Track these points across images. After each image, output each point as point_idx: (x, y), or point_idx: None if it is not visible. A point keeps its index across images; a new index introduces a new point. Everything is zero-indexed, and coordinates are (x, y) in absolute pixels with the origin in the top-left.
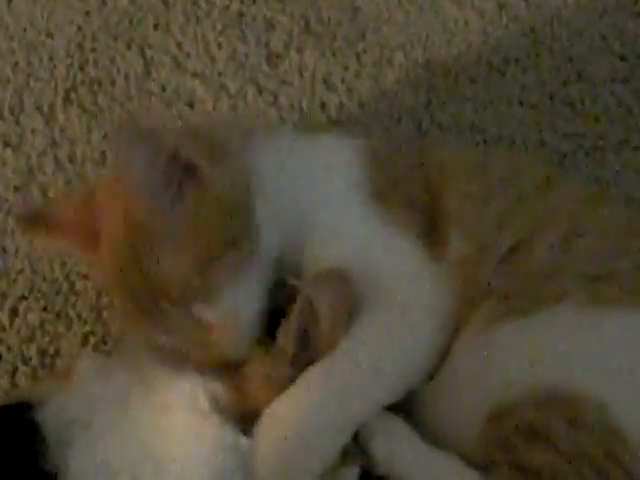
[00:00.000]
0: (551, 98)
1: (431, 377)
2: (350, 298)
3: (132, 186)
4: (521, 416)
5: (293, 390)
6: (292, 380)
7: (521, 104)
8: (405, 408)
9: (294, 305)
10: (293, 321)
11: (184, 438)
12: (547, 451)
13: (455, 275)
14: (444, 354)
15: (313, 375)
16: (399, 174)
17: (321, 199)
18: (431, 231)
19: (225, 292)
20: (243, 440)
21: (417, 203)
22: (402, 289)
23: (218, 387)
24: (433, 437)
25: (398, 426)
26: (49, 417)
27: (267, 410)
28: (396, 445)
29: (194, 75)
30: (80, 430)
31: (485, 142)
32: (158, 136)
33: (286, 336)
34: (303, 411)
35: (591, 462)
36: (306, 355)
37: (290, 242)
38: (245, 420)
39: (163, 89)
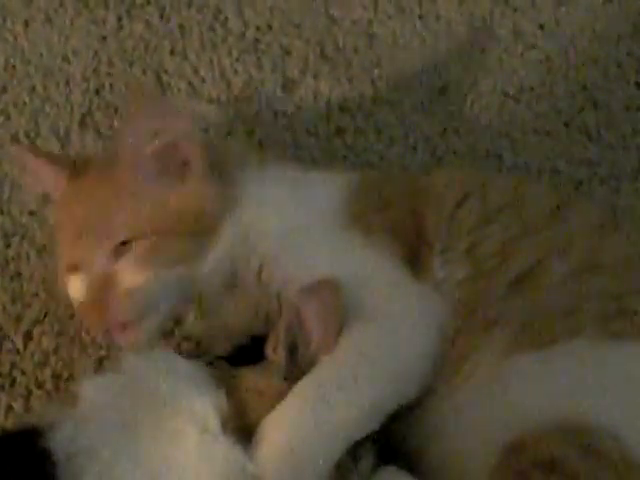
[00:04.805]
0: (566, 126)
1: (436, 413)
2: (340, 309)
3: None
4: (538, 449)
5: (284, 404)
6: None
7: (536, 132)
8: (412, 444)
9: (281, 318)
10: (281, 333)
11: (195, 464)
12: None
13: (452, 297)
14: (449, 373)
15: (301, 388)
16: (384, 200)
17: (304, 227)
18: (414, 255)
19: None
20: (250, 462)
21: (401, 228)
22: (386, 305)
23: (223, 401)
24: (440, 475)
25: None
26: (59, 445)
27: (264, 423)
28: None
29: (210, 101)
30: (89, 459)
31: (500, 170)
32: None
33: (275, 349)
34: (291, 425)
35: None
36: (298, 368)
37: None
38: (243, 434)
39: None
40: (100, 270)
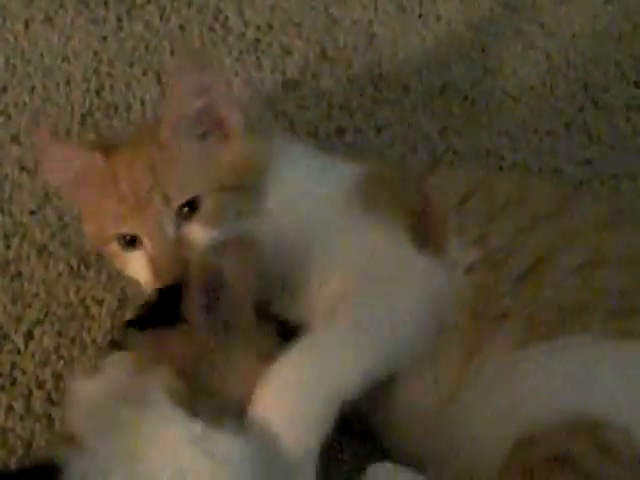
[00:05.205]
0: (567, 126)
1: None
2: (256, 263)
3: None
4: (549, 444)
5: (279, 370)
6: (217, 346)
7: (536, 131)
8: (419, 440)
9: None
10: (195, 289)
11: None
12: (576, 478)
13: (464, 283)
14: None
15: (298, 355)
16: (391, 179)
17: (317, 206)
18: (424, 234)
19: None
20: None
21: (409, 206)
22: (387, 272)
23: (172, 379)
24: (448, 471)
25: None
26: None
27: (258, 391)
28: None
29: None
30: None
31: (500, 169)
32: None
33: (191, 307)
34: (288, 387)
35: None
36: (219, 321)
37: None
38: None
39: None
40: (172, 234)
